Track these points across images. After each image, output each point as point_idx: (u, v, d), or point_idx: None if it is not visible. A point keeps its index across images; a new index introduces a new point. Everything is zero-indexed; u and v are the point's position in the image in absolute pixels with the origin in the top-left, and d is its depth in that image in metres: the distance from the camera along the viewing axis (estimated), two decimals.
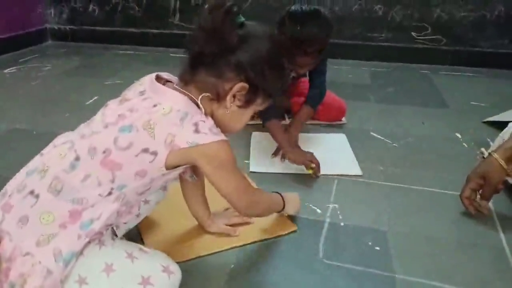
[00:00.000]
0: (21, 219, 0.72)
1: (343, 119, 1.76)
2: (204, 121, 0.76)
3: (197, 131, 0.75)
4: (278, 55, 0.83)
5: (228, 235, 1.03)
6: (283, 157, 1.43)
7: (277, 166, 1.39)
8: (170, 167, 0.77)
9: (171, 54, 2.80)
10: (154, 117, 0.74)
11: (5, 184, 0.78)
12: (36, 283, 0.68)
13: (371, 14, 2.63)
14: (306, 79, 1.75)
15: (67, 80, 2.28)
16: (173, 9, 2.89)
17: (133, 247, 0.79)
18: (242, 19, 0.79)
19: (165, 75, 0.85)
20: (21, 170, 0.80)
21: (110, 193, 0.75)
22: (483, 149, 1.34)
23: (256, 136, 1.61)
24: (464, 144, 1.56)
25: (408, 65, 2.61)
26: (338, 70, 2.51)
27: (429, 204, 1.20)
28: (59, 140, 0.81)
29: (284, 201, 1.03)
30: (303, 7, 1.38)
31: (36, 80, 2.27)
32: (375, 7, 2.61)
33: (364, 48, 2.70)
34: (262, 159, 1.43)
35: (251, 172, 1.35)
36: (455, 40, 2.59)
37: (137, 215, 0.95)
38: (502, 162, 1.10)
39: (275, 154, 1.46)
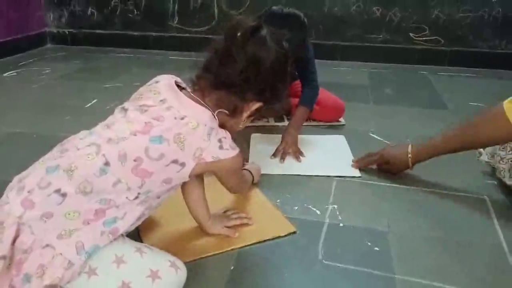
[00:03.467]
0: (45, 215, 0.72)
1: (342, 119, 1.77)
2: (225, 137, 0.84)
3: (221, 147, 0.83)
4: (286, 68, 0.89)
5: (228, 236, 1.03)
6: (282, 158, 1.43)
7: (276, 168, 1.39)
8: (191, 176, 0.84)
9: (170, 57, 2.81)
10: (184, 131, 0.79)
11: (5, 187, 0.78)
12: (56, 274, 0.70)
13: (370, 16, 2.64)
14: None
15: (67, 84, 2.29)
16: (171, 12, 2.90)
17: (141, 244, 0.83)
18: (266, 39, 0.84)
19: (178, 80, 0.89)
20: (37, 166, 0.79)
21: (136, 197, 0.79)
22: (481, 150, 1.34)
23: (255, 137, 1.61)
24: None
25: (406, 66, 2.62)
26: (336, 71, 2.52)
27: (428, 204, 1.20)
28: (81, 142, 0.80)
29: (252, 174, 1.21)
30: (283, 9, 1.41)
31: (35, 83, 2.27)
32: (373, 8, 2.62)
33: (363, 49, 2.70)
34: (261, 160, 1.43)
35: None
36: (453, 41, 2.59)
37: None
38: (410, 162, 1.27)
39: (274, 155, 1.46)
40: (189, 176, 0.83)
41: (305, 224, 1.10)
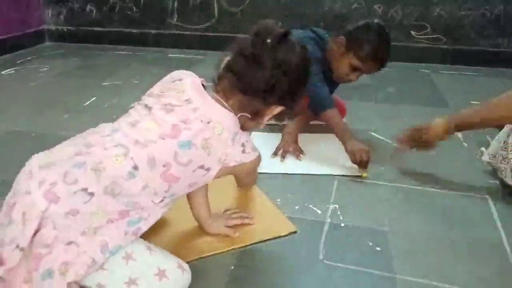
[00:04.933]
0: (70, 212, 0.72)
1: (344, 119, 1.75)
2: (247, 141, 0.87)
3: (244, 151, 0.86)
4: (308, 73, 0.89)
5: (228, 236, 1.02)
6: (283, 157, 1.42)
7: (277, 167, 1.38)
8: (214, 179, 0.85)
9: (170, 55, 2.80)
10: (210, 136, 0.79)
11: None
12: (80, 272, 0.71)
13: (371, 13, 2.62)
14: None
15: (65, 81, 2.27)
16: (171, 9, 2.88)
17: (151, 244, 0.83)
18: (295, 45, 0.84)
19: (201, 79, 0.89)
20: (60, 155, 0.76)
21: (161, 201, 0.81)
22: (483, 149, 1.34)
23: (256, 136, 1.60)
24: (464, 143, 1.56)
25: (408, 64, 2.61)
26: None
27: (429, 204, 1.20)
28: (107, 140, 0.78)
29: None
30: (379, 23, 1.42)
31: (34, 81, 2.26)
32: (375, 6, 2.61)
33: None
34: (262, 160, 1.42)
35: None
36: (455, 39, 2.58)
37: None
38: (448, 124, 1.23)
39: (275, 154, 1.45)
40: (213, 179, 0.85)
41: (306, 224, 1.09)
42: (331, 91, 1.57)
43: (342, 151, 1.47)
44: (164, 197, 0.81)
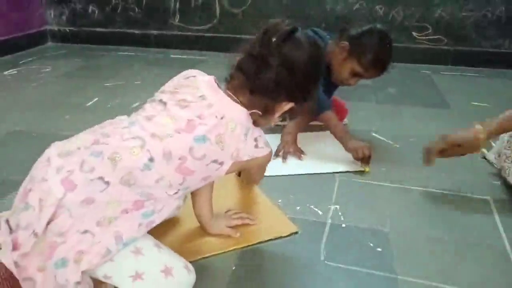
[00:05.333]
0: (86, 200, 0.72)
1: (345, 120, 1.76)
2: (260, 136, 0.88)
3: (256, 146, 0.87)
4: (319, 70, 0.90)
5: (230, 236, 1.03)
6: (284, 158, 1.43)
7: (279, 169, 1.38)
8: (227, 173, 0.87)
9: (172, 56, 2.80)
10: (224, 131, 0.81)
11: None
12: (94, 261, 0.72)
13: (372, 14, 2.62)
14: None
15: (67, 82, 2.28)
16: (173, 10, 2.89)
17: (159, 242, 0.84)
18: (302, 41, 0.84)
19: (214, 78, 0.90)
20: (79, 143, 0.78)
21: (176, 193, 0.82)
22: (484, 150, 1.34)
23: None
24: None
25: (409, 65, 2.61)
26: None
27: (430, 205, 1.20)
28: (125, 132, 0.79)
29: None
30: (382, 29, 1.42)
31: (36, 82, 2.27)
32: (376, 7, 2.61)
33: None
34: None
35: None
36: (456, 40, 2.58)
37: None
38: (483, 141, 1.16)
39: (276, 155, 1.45)
40: (225, 173, 0.86)
41: (307, 225, 1.09)
42: (330, 92, 1.57)
43: (342, 148, 1.47)
44: (179, 190, 0.82)
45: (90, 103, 1.94)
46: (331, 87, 1.55)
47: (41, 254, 0.71)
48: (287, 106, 0.88)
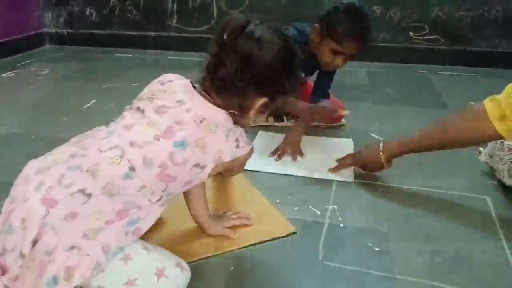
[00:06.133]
0: (69, 215, 0.72)
1: (343, 120, 1.76)
2: (241, 135, 0.88)
3: (238, 146, 0.87)
4: (292, 61, 0.87)
5: (228, 237, 1.03)
6: (279, 157, 1.44)
7: (273, 167, 1.38)
8: (209, 176, 0.86)
9: (170, 57, 2.80)
10: (204, 135, 0.80)
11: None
12: (86, 274, 0.71)
13: (369, 15, 2.63)
14: (310, 83, 1.76)
15: (65, 84, 2.28)
16: (170, 11, 2.89)
17: (148, 243, 0.83)
18: (255, 34, 0.82)
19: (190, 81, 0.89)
20: (56, 158, 0.77)
21: (159, 200, 0.81)
22: (481, 149, 1.34)
23: (261, 135, 1.61)
24: None
25: (406, 65, 2.61)
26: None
27: (428, 205, 1.20)
28: (103, 143, 0.79)
29: None
30: (349, 1, 1.42)
31: (33, 84, 2.26)
32: (373, 7, 2.61)
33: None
34: (258, 158, 1.42)
35: (246, 170, 1.34)
36: (453, 40, 2.59)
37: None
38: (383, 159, 1.24)
39: (273, 153, 1.45)
40: (208, 176, 0.86)
41: (305, 225, 1.09)
42: (325, 85, 1.65)
43: (339, 156, 1.46)
44: (162, 196, 0.81)
45: (88, 105, 1.94)
46: (309, 67, 1.62)
47: (32, 275, 0.69)
48: (260, 101, 0.86)
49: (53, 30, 3.10)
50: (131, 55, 2.86)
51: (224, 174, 1.08)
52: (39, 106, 1.94)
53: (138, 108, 0.84)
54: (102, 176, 0.74)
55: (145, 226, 0.80)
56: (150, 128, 0.79)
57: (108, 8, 2.97)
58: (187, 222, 1.04)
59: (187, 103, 0.82)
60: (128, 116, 0.84)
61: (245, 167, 1.33)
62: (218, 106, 0.84)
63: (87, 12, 3.01)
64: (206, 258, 0.97)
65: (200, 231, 1.04)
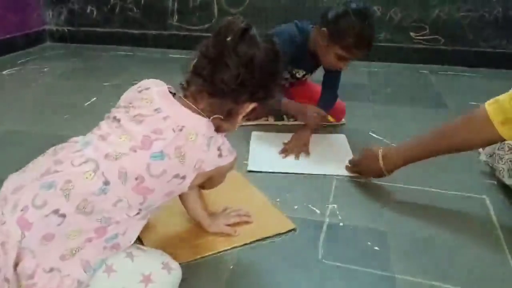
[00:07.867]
0: (45, 237, 0.70)
1: (343, 120, 1.76)
2: (224, 143, 0.84)
3: (220, 155, 0.83)
4: (278, 66, 0.86)
5: (228, 235, 1.03)
6: (286, 155, 1.45)
7: (276, 166, 1.39)
8: (191, 187, 0.83)
9: (170, 55, 2.80)
10: (183, 144, 0.77)
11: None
12: None
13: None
14: (311, 83, 1.76)
15: (66, 82, 2.28)
16: (171, 10, 2.89)
17: (133, 246, 0.81)
18: (257, 38, 0.82)
19: (168, 86, 0.87)
20: (30, 175, 0.75)
21: (138, 213, 0.79)
22: (480, 149, 1.34)
23: (256, 135, 1.61)
24: None
25: (406, 65, 2.61)
26: None
27: (428, 204, 1.20)
28: (76, 156, 0.76)
29: None
30: (358, 8, 1.39)
31: (34, 82, 2.26)
32: (374, 7, 2.61)
33: None
34: (260, 158, 1.42)
35: (249, 171, 1.35)
36: (453, 40, 2.59)
37: None
38: (384, 171, 1.20)
39: (282, 152, 1.47)
40: (189, 188, 0.83)
41: (305, 224, 1.10)
42: (333, 86, 1.64)
43: (341, 151, 1.47)
44: (140, 209, 0.78)
45: (88, 103, 1.94)
46: (309, 66, 1.62)
47: None
48: (249, 107, 0.86)
49: (54, 28, 3.10)
50: (131, 53, 2.86)
51: (206, 185, 0.96)
52: (40, 104, 1.95)
53: (115, 118, 0.82)
54: (75, 194, 0.71)
55: (123, 242, 0.77)
56: (126, 139, 0.77)
57: (109, 6, 2.96)
58: (187, 221, 1.05)
59: (164, 111, 0.79)
60: (104, 126, 0.82)
61: (249, 168, 1.36)
62: (202, 110, 0.82)
63: (88, 10, 3.01)
64: (206, 256, 0.97)
65: (200, 230, 1.04)
